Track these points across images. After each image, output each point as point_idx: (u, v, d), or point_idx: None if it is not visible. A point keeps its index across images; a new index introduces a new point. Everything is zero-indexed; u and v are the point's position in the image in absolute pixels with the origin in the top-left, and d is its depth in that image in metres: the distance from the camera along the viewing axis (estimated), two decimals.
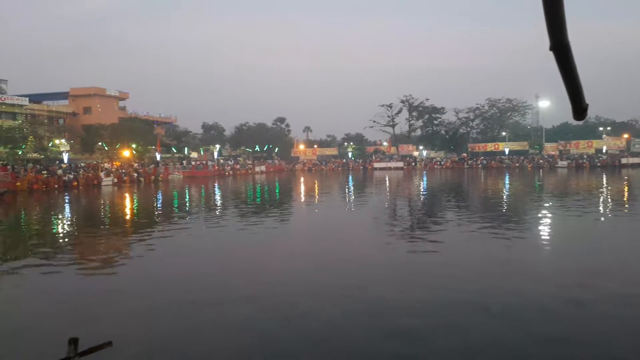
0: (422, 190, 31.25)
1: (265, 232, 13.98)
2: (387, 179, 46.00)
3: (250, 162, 78.79)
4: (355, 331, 5.77)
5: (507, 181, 37.39)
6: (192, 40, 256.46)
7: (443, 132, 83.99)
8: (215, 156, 77.11)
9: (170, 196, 31.01)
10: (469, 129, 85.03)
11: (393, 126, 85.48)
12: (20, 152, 50.08)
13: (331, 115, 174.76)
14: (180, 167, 61.61)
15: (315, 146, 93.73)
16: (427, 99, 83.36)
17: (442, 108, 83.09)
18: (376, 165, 76.18)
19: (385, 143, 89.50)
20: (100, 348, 3.95)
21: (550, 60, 1.08)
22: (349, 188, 34.88)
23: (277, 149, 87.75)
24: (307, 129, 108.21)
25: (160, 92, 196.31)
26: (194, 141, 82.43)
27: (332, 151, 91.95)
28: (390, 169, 72.14)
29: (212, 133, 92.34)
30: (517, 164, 68.59)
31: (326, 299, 7.09)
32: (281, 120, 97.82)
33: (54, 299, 7.51)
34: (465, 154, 77.96)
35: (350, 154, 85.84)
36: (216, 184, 42.83)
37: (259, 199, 27.26)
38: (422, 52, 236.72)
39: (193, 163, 66.88)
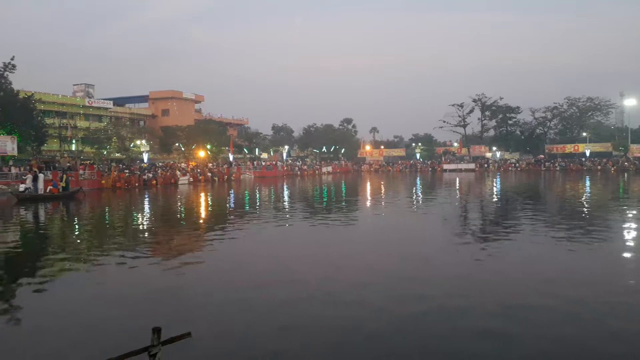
0: (495, 193, 30.12)
1: (331, 232, 14.09)
2: (457, 181, 44.76)
3: (317, 163, 79.61)
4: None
5: (588, 185, 35.16)
6: (261, 43, 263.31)
7: (518, 132, 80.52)
8: (284, 157, 78.74)
9: (242, 195, 32.03)
10: (546, 130, 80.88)
11: (464, 126, 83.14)
12: (105, 152, 53.95)
13: (399, 115, 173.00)
14: (251, 167, 63.49)
15: (382, 147, 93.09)
16: (501, 98, 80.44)
17: (517, 107, 79.75)
18: (446, 166, 74.32)
19: (455, 144, 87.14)
20: (180, 338, 4.20)
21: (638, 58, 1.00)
22: (416, 190, 34.34)
23: (343, 149, 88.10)
24: (374, 130, 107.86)
25: (233, 95, 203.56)
26: (264, 142, 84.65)
27: (400, 152, 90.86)
28: (460, 170, 70.12)
29: (282, 134, 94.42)
30: (599, 167, 64.27)
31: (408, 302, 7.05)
32: (348, 121, 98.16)
33: (134, 291, 7.98)
34: (542, 156, 74.24)
35: (418, 155, 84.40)
36: (285, 184, 43.69)
37: (325, 200, 27.52)
38: (493, 49, 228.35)
39: (263, 164, 68.67)
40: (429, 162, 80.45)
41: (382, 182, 45.04)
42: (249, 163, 66.88)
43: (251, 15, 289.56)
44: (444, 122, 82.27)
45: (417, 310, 6.57)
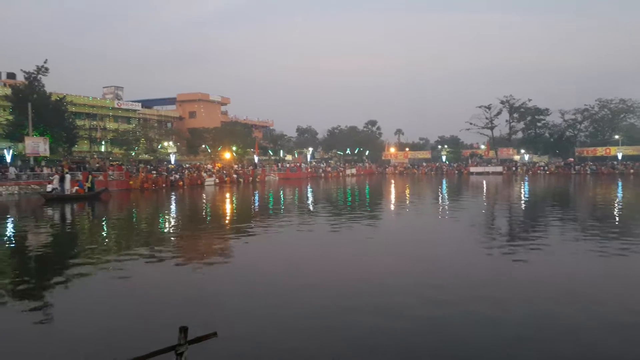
0: (524, 197, 29.52)
1: (354, 235, 14.02)
2: (484, 184, 44.11)
3: (341, 165, 79.55)
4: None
5: (620, 190, 34.16)
6: (285, 45, 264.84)
7: (547, 135, 78.83)
8: (308, 159, 78.93)
9: (267, 196, 32.24)
10: (576, 132, 78.93)
11: (492, 128, 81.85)
12: (133, 153, 55.02)
13: (424, 117, 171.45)
14: (275, 169, 63.86)
15: (407, 149, 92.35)
16: (530, 100, 78.85)
17: (546, 109, 78.10)
18: (472, 169, 73.30)
19: (482, 146, 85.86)
20: (206, 338, 4.23)
21: None
22: (442, 193, 33.95)
23: (367, 151, 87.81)
24: (399, 132, 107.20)
25: (259, 97, 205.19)
26: (288, 144, 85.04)
27: (425, 154, 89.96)
28: (488, 173, 69.06)
29: (306, 136, 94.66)
30: (631, 170, 62.38)
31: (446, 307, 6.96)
32: (372, 123, 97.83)
33: (159, 290, 8.12)
34: (572, 159, 72.49)
35: (444, 158, 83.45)
36: (309, 186, 43.79)
37: (349, 202, 27.45)
38: (521, 50, 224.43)
39: (288, 165, 68.99)
40: (455, 165, 79.46)
41: (407, 185, 44.71)
42: (273, 165, 67.29)
43: (277, 18, 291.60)
44: (471, 124, 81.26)
45: (440, 315, 6.48)
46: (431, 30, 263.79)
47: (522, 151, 78.23)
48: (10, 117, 43.87)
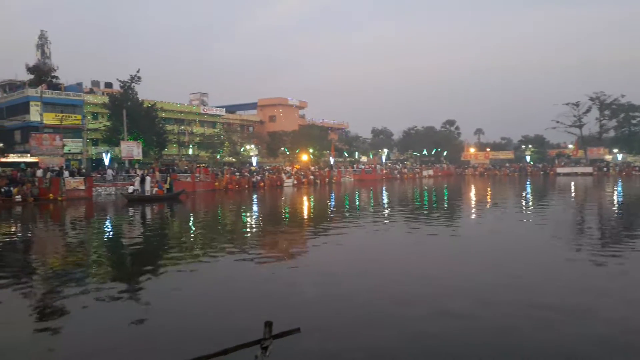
0: (617, 200, 27.54)
1: (431, 237, 13.98)
2: (572, 186, 41.61)
3: (417, 166, 78.32)
4: None
5: None
6: (361, 47, 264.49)
7: None
8: (384, 160, 78.50)
9: (343, 197, 32.67)
10: None
11: (580, 127, 76.74)
12: (218, 156, 57.86)
13: (506, 116, 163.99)
14: (351, 170, 64.24)
15: (488, 149, 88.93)
16: (623, 96, 73.06)
17: None
18: (559, 170, 69.23)
19: (570, 145, 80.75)
20: (290, 333, 4.52)
21: None
22: (527, 195, 32.53)
23: (445, 152, 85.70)
24: (479, 131, 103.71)
25: (334, 99, 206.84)
26: (363, 146, 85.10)
27: (508, 154, 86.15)
28: (576, 174, 64.91)
29: (381, 137, 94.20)
30: None
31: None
32: (450, 122, 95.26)
33: (244, 286, 8.58)
34: None
35: (528, 158, 79.49)
36: (384, 187, 43.69)
37: (425, 204, 27.13)
38: (612, 44, 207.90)
39: (363, 167, 69.10)
40: (540, 165, 75.46)
41: (487, 187, 43.23)
42: (349, 166, 67.73)
43: (353, 21, 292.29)
44: (557, 122, 76.75)
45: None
46: (514, 26, 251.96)
47: (615, 150, 72.68)
48: (108, 123, 47.80)
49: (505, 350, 5.54)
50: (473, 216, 20.57)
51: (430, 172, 74.32)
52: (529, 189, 39.64)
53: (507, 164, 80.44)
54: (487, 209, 23.42)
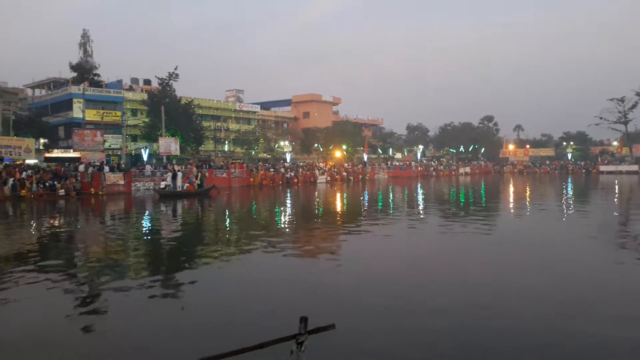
0: None
1: (468, 238, 13.64)
2: (616, 185, 40.00)
3: (454, 163, 77.02)
4: None
5: None
6: (397, 43, 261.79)
7: None
8: (419, 157, 77.57)
9: (376, 195, 32.43)
10: None
11: (625, 123, 73.50)
12: (253, 152, 58.50)
13: (547, 112, 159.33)
14: (385, 167, 63.75)
15: (528, 146, 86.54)
16: None
17: None
18: (602, 168, 66.75)
19: (615, 143, 77.65)
20: (325, 329, 4.50)
21: None
22: (568, 194, 31.47)
23: (483, 149, 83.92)
24: (518, 128, 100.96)
25: (369, 96, 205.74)
26: (398, 142, 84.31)
27: (548, 152, 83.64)
28: (620, 173, 62.39)
29: (416, 134, 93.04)
30: None
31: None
32: (489, 118, 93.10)
33: (279, 281, 8.60)
34: None
35: (569, 155, 76.96)
36: (418, 185, 43.14)
37: (462, 202, 26.59)
38: None
39: (397, 163, 68.49)
40: (582, 163, 72.93)
41: (527, 185, 42.07)
42: (382, 163, 67.23)
43: (388, 18, 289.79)
44: (601, 118, 73.81)
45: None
46: (556, 19, 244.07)
47: None
48: (146, 120, 48.97)
49: None
50: (516, 217, 19.97)
51: (467, 169, 72.93)
52: (570, 187, 38.32)
53: (547, 162, 78.12)
54: (530, 209, 22.68)
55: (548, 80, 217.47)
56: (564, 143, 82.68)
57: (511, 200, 27.62)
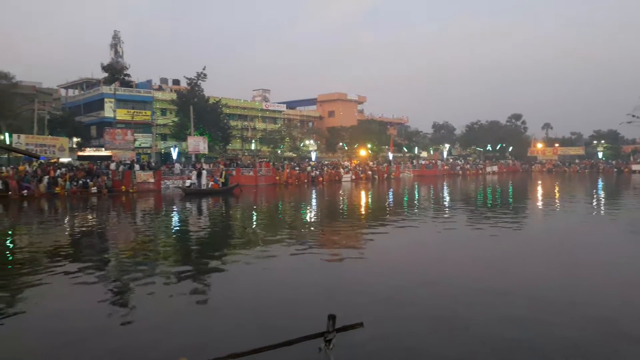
0: None
1: (495, 238, 13.58)
2: None
3: (481, 162, 76.03)
4: None
5: None
6: (421, 41, 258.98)
7: None
8: (445, 156, 76.85)
9: (402, 193, 32.35)
10: None
11: None
12: (279, 151, 59.00)
13: (577, 109, 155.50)
14: (410, 166, 63.40)
15: (557, 145, 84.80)
16: None
17: None
18: (635, 167, 64.95)
19: None
20: (353, 327, 4.58)
21: None
22: (598, 194, 30.77)
23: (511, 148, 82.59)
24: (547, 126, 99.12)
25: (394, 94, 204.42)
26: (424, 141, 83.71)
27: (578, 150, 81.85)
28: None
29: (442, 132, 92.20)
30: None
31: None
32: (516, 117, 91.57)
33: (307, 279, 8.72)
34: None
35: (600, 154, 75.17)
36: (445, 184, 42.79)
37: (489, 201, 26.31)
38: None
39: (423, 162, 68.00)
40: (613, 162, 71.07)
41: (556, 184, 41.27)
42: (408, 162, 66.86)
43: (412, 15, 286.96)
44: (634, 116, 71.62)
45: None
46: (587, 14, 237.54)
47: None
48: (176, 119, 49.90)
49: None
50: (550, 218, 19.69)
51: (495, 168, 71.89)
52: (600, 187, 37.42)
53: (577, 161, 76.40)
54: (563, 210, 22.34)
55: (578, 77, 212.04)
56: (595, 141, 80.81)
57: (540, 199, 27.15)
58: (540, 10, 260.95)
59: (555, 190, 34.15)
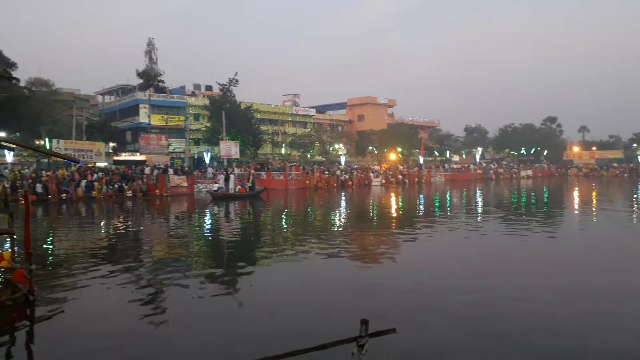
0: None
1: (530, 245, 13.24)
2: None
3: (515, 166, 74.40)
4: None
5: None
6: (453, 43, 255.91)
7: None
8: (477, 159, 75.55)
9: (432, 198, 31.93)
10: None
11: None
12: (309, 155, 59.22)
13: (615, 112, 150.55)
14: (442, 170, 62.58)
15: (594, 148, 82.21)
16: None
17: None
18: None
19: None
20: (386, 333, 4.56)
21: None
22: (638, 199, 29.66)
23: (545, 151, 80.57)
24: (583, 129, 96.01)
25: (425, 97, 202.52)
26: (456, 144, 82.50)
27: (616, 154, 79.13)
28: None
29: (475, 136, 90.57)
30: None
31: None
32: (552, 119, 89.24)
33: (339, 283, 8.68)
34: None
35: None
36: (477, 188, 42.03)
37: (524, 207, 25.66)
38: None
39: (454, 166, 67.03)
40: None
41: (593, 189, 39.99)
42: (439, 166, 66.02)
43: (444, 17, 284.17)
44: None
45: None
46: (620, 14, 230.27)
47: None
48: (208, 124, 50.74)
49: None
50: (580, 221, 19.12)
51: (529, 172, 70.24)
52: None
53: (615, 164, 73.88)
54: (596, 213, 21.63)
55: (615, 78, 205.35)
56: (634, 145, 77.95)
57: (577, 205, 26.31)
58: (575, 8, 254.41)
59: (593, 196, 33.03)
